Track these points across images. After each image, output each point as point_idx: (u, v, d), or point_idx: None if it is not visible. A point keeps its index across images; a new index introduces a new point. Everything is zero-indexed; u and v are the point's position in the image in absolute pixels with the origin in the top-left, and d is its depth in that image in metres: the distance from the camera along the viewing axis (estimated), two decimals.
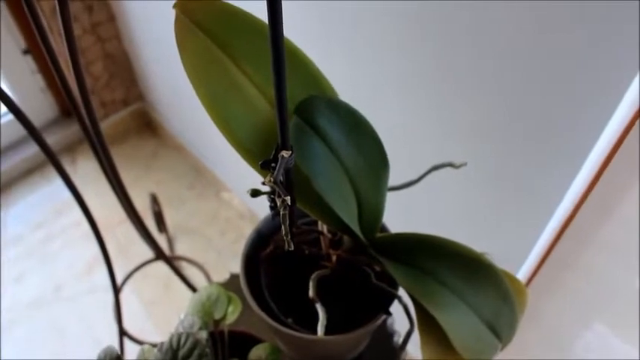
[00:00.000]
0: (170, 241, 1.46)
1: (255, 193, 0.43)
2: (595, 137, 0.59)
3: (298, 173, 0.42)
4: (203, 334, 0.49)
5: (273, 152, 0.35)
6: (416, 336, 0.55)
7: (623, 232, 0.72)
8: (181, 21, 0.40)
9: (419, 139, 0.79)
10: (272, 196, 0.41)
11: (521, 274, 0.80)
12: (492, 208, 0.77)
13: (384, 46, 0.75)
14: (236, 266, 1.65)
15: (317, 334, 0.48)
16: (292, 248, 0.37)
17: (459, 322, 0.48)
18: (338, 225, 0.47)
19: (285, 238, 0.36)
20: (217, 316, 0.54)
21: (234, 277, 0.74)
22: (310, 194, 0.43)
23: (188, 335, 0.47)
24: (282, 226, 0.35)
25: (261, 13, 0.43)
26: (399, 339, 0.71)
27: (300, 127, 0.42)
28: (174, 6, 0.40)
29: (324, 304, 0.49)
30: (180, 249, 1.63)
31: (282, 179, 0.33)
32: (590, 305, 0.88)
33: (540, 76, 0.61)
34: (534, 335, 1.00)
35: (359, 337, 0.56)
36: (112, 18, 1.66)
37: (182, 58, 0.41)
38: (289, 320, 0.53)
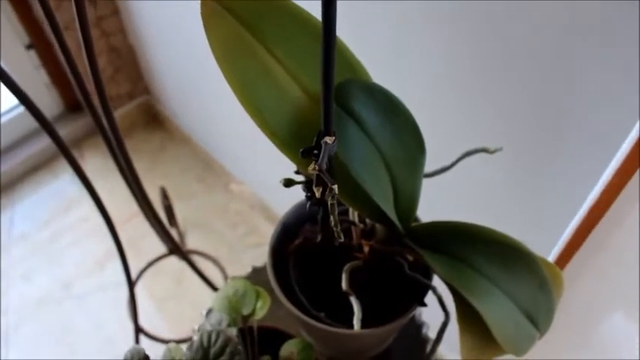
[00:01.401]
0: (181, 236, 1.44)
1: (288, 182, 0.41)
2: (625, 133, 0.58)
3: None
4: (233, 331, 0.47)
5: (315, 139, 0.33)
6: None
7: None
8: (209, 4, 0.38)
9: (449, 126, 0.78)
10: (307, 186, 0.39)
11: (551, 258, 0.78)
12: (521, 193, 0.75)
13: (417, 37, 0.74)
14: (249, 259, 1.64)
15: (350, 327, 0.47)
16: (342, 239, 0.35)
17: (499, 311, 0.47)
18: (374, 213, 0.45)
19: (334, 229, 0.34)
20: (245, 311, 0.52)
21: (256, 271, 0.72)
22: (345, 181, 0.41)
23: (219, 333, 0.46)
24: (332, 217, 0.33)
25: None
26: (427, 330, 0.70)
27: (335, 112, 0.40)
28: None
29: (355, 296, 0.48)
30: (191, 243, 1.61)
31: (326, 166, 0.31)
32: (617, 291, 0.86)
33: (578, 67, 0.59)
34: (557, 319, 0.98)
35: (393, 330, 0.54)
36: (116, 11, 1.64)
37: (210, 42, 0.39)
38: (322, 315, 0.51)
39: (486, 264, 0.48)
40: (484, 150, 0.51)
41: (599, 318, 0.92)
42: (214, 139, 1.75)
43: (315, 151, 0.33)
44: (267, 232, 1.70)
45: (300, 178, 0.41)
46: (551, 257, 0.78)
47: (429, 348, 0.68)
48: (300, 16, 0.41)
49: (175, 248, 1.06)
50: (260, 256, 1.64)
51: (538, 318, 0.49)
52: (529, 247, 0.47)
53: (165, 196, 1.37)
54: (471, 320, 0.47)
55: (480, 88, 0.70)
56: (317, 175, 0.35)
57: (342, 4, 0.84)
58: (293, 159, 0.40)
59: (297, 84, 0.41)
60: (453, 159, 0.54)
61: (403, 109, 0.42)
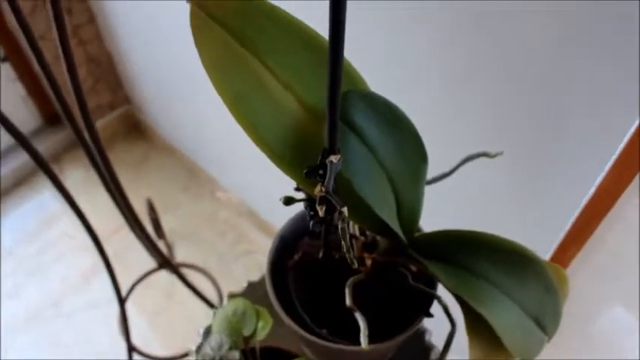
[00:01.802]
0: (169, 248, 1.41)
1: (288, 201, 0.40)
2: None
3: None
4: (235, 355, 0.46)
5: (320, 157, 0.31)
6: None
7: None
8: (198, 16, 0.36)
9: (446, 131, 0.77)
10: (310, 204, 0.38)
11: (550, 256, 0.77)
12: (521, 194, 0.74)
13: (412, 42, 0.73)
14: (240, 268, 1.61)
15: (354, 342, 0.45)
16: (356, 266, 0.33)
17: (507, 319, 0.46)
18: (375, 226, 0.44)
19: (347, 255, 0.32)
20: (246, 332, 0.50)
21: (251, 286, 0.70)
22: (346, 195, 0.40)
23: (222, 359, 0.44)
24: (343, 242, 0.31)
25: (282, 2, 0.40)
26: (430, 337, 0.68)
27: None
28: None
29: (360, 311, 0.46)
30: (180, 254, 1.58)
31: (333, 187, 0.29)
32: (616, 285, 0.86)
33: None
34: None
35: (399, 342, 0.53)
36: (92, 19, 1.60)
37: (201, 56, 0.37)
38: (324, 331, 0.49)
39: (492, 271, 0.47)
40: (485, 154, 0.50)
41: (599, 313, 0.91)
42: (199, 146, 1.72)
43: (320, 171, 0.31)
44: (257, 239, 1.67)
45: (301, 194, 0.39)
46: (551, 255, 0.77)
47: (432, 355, 0.67)
48: (292, 24, 0.39)
49: (165, 262, 1.04)
50: (251, 264, 1.62)
51: (546, 322, 0.48)
52: (533, 251, 0.47)
53: (151, 209, 1.34)
54: (480, 328, 0.46)
55: (478, 91, 0.69)
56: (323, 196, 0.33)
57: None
58: (293, 176, 0.39)
59: (291, 95, 0.39)
60: (451, 164, 0.53)
61: (405, 120, 0.41)
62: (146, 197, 1.31)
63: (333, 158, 0.30)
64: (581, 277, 0.86)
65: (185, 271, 1.41)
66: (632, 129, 0.56)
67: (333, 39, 0.24)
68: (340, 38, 0.24)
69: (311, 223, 0.37)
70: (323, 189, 0.29)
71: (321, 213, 0.35)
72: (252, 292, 0.70)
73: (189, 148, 1.80)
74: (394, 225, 0.42)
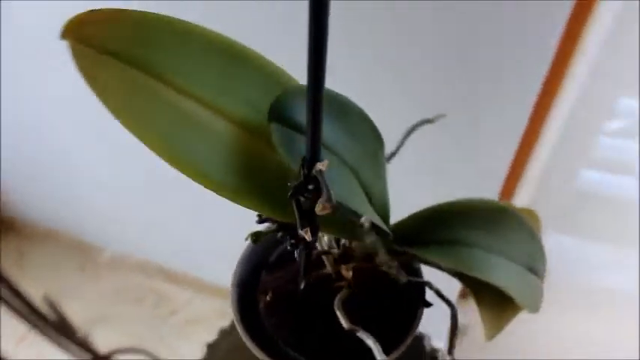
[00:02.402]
0: (87, 340, 1.25)
1: (257, 236, 0.33)
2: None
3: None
4: None
5: (302, 171, 0.25)
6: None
7: None
8: (81, 53, 0.29)
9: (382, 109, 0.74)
10: (289, 231, 0.31)
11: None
12: (460, 149, 0.73)
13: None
14: (169, 332, 1.47)
15: None
16: (404, 279, 0.28)
17: (510, 277, 0.44)
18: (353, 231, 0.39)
19: (392, 273, 0.26)
20: None
21: (211, 348, 0.62)
22: None
23: None
24: (380, 256, 0.26)
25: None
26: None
27: (284, 134, 0.32)
28: (65, 35, 0.28)
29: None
30: (102, 340, 1.41)
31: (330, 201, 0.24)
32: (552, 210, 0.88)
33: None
34: None
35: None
36: None
37: (105, 103, 0.29)
38: None
39: (475, 235, 0.45)
40: (427, 121, 0.47)
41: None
42: (79, 218, 1.56)
43: (310, 186, 0.25)
44: (176, 295, 1.54)
45: (271, 226, 0.33)
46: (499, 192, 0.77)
47: (426, 342, 0.63)
48: (185, 29, 0.33)
49: (97, 357, 0.91)
50: (179, 323, 1.49)
51: (537, 267, 0.47)
52: (506, 203, 0.46)
53: (51, 305, 1.18)
54: (483, 293, 0.44)
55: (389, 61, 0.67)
56: (304, 214, 0.28)
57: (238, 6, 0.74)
58: (255, 206, 0.32)
59: (216, 113, 0.33)
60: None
61: (353, 106, 0.36)
62: (42, 293, 1.15)
63: (321, 166, 0.24)
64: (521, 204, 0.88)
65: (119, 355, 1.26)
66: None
67: (314, 39, 0.18)
68: (322, 45, 0.18)
69: (295, 252, 0.31)
70: (327, 205, 0.23)
71: (307, 237, 0.29)
72: (215, 354, 0.62)
73: (68, 225, 1.63)
74: (377, 221, 0.37)
